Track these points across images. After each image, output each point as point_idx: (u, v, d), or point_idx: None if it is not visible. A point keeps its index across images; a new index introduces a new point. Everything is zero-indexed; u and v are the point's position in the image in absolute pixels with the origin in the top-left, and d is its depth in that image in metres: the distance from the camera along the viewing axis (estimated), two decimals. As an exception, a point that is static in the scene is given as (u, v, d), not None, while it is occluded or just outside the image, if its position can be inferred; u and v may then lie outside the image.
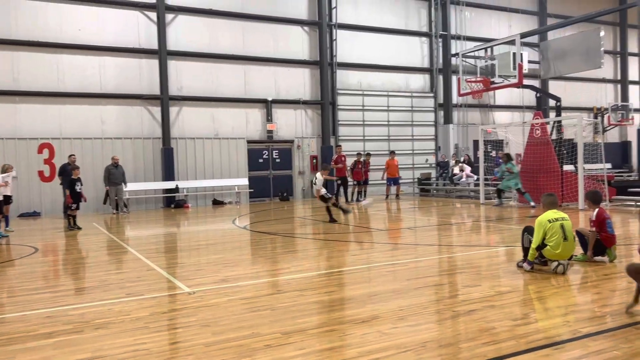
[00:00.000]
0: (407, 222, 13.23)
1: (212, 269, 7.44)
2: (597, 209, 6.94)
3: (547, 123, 16.32)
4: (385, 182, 20.58)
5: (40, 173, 17.66)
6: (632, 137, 30.41)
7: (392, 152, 21.02)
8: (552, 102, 22.60)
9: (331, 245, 9.57)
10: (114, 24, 18.80)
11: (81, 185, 13.19)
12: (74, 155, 16.62)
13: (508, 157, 15.56)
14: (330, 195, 12.94)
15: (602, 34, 20.66)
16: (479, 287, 5.82)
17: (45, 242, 11.29)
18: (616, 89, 30.89)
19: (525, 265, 6.56)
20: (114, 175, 16.99)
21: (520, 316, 4.81)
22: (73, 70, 18.19)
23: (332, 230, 11.50)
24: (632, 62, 30.97)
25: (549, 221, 6.37)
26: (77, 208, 13.03)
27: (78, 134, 18.18)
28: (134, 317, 5.08)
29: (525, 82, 17.74)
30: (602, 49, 20.50)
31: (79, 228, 12.90)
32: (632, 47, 30.86)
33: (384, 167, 20.69)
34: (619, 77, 30.84)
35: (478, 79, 17.96)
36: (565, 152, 15.50)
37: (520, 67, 16.46)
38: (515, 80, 16.88)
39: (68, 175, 16.32)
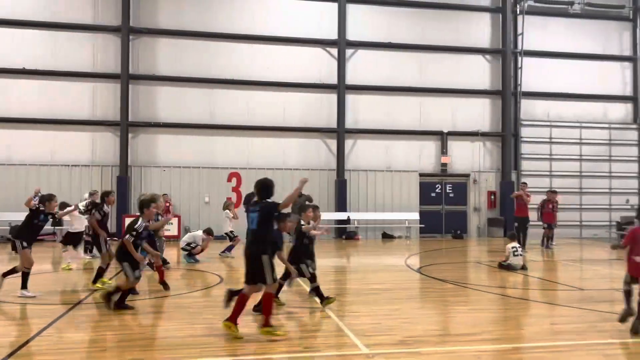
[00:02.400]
0: (606, 279, 11.29)
1: (389, 324, 6.98)
2: None
3: None
4: None
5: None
6: None
7: None
8: None
9: (520, 306, 8.46)
10: (298, 62, 19.89)
11: None
12: (258, 185, 17.79)
13: None
14: None
15: None
16: None
17: (232, 270, 11.95)
18: None
19: None
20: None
21: None
22: (261, 106, 19.62)
23: (516, 285, 10.31)
24: None
25: None
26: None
27: (262, 164, 19.41)
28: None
29: None
30: None
31: None
32: None
33: (578, 206, 18.36)
34: None
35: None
36: None
37: None
38: None
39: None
